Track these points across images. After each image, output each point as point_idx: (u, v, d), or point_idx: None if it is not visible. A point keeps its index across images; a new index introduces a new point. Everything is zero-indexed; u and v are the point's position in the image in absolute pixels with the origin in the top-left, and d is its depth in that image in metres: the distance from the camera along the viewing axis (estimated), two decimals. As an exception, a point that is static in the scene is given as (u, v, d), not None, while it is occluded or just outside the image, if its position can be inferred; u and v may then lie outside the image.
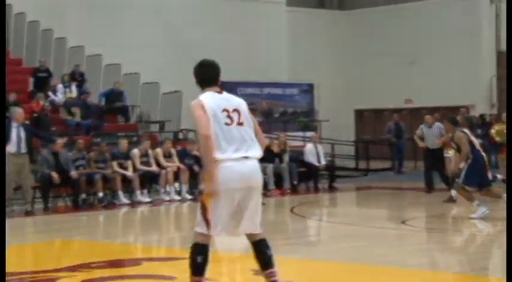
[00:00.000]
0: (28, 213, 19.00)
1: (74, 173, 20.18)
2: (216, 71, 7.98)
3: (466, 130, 16.90)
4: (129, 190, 21.56)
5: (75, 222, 18.34)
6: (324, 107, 33.64)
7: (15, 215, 18.82)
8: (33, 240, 15.83)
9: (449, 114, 20.52)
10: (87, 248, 14.11)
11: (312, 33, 35.11)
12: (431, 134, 21.15)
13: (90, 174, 20.88)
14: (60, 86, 26.01)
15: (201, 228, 7.47)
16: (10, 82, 25.14)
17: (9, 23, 28.32)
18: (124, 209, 20.63)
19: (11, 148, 18.76)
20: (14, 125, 19.05)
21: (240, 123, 7.50)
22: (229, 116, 7.47)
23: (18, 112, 19.61)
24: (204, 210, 7.40)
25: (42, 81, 25.98)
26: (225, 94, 7.76)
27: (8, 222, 17.76)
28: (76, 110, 24.93)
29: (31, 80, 25.96)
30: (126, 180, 21.50)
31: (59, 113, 24.93)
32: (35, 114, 22.61)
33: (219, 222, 7.43)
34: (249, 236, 7.80)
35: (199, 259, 7.51)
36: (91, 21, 28.91)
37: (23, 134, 19.02)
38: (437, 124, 21.11)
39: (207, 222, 7.39)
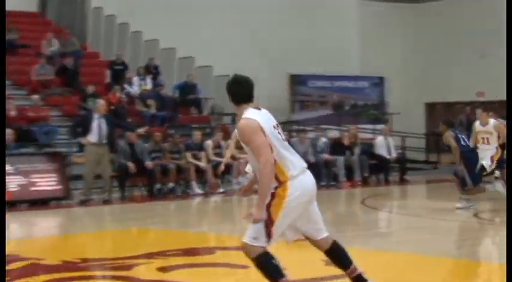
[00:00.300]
0: (106, 202, 19.40)
1: (149, 163, 20.51)
2: (252, 86, 7.45)
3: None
4: (202, 180, 21.81)
5: (150, 211, 18.61)
6: (395, 100, 33.44)
7: (93, 203, 19.24)
8: (111, 227, 16.12)
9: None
10: (162, 236, 14.32)
11: (383, 26, 34.81)
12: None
13: (164, 165, 21.19)
14: (135, 79, 26.32)
15: (258, 242, 7.09)
16: (88, 74, 25.58)
17: (87, 17, 28.75)
18: (197, 199, 20.85)
19: (91, 138, 19.16)
20: (96, 116, 19.43)
21: (284, 138, 7.26)
22: (279, 132, 7.20)
23: (100, 103, 19.99)
24: (270, 223, 7.05)
25: (119, 73, 26.24)
26: (263, 110, 7.34)
27: (87, 210, 18.03)
28: (151, 102, 25.18)
29: (108, 73, 26.24)
30: (199, 171, 21.78)
31: (134, 104, 25.21)
32: (112, 106, 22.87)
33: (279, 233, 7.19)
34: (318, 244, 7.74)
35: (274, 262, 7.20)
36: (166, 15, 29.07)
37: (104, 125, 19.37)
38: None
39: (269, 234, 7.08)
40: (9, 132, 20.27)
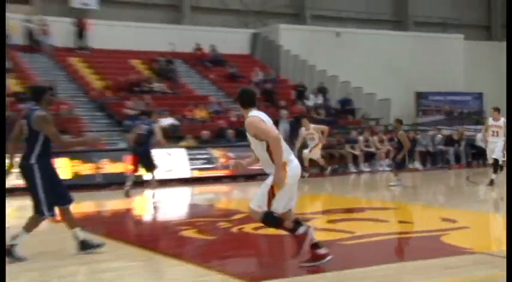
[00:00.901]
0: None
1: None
2: (256, 95, 6.79)
3: None
4: (356, 163, 21.78)
5: (321, 183, 18.60)
6: (490, 108, 32.31)
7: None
8: (300, 195, 16.17)
9: None
10: (330, 199, 14.42)
11: (481, 57, 33.66)
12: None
13: (332, 153, 21.35)
14: (311, 96, 26.44)
15: (261, 209, 6.44)
16: (281, 94, 25.92)
17: (281, 56, 29.05)
18: (352, 176, 20.82)
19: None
20: (283, 121, 19.70)
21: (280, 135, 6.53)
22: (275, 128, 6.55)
23: (284, 113, 20.33)
24: (272, 196, 6.37)
25: (300, 93, 26.40)
26: (262, 112, 6.63)
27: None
28: (321, 111, 25.25)
29: (293, 93, 26.49)
30: (355, 157, 21.76)
31: (310, 113, 25.30)
32: (296, 115, 23.12)
33: (279, 205, 6.43)
34: (287, 214, 6.69)
35: (275, 215, 6.48)
36: (332, 54, 29.16)
37: (287, 126, 19.69)
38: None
39: (269, 205, 6.39)
40: (231, 132, 20.90)
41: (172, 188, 17.19)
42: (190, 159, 18.80)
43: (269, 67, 28.31)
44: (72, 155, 17.55)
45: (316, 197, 14.99)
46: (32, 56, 24.64)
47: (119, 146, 19.02)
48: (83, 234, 7.75)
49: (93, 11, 27.60)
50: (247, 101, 6.65)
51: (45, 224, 11.73)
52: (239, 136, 21.57)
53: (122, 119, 21.13)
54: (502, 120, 15.47)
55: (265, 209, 6.43)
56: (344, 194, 15.71)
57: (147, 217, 12.49)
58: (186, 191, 17.18)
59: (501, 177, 15.76)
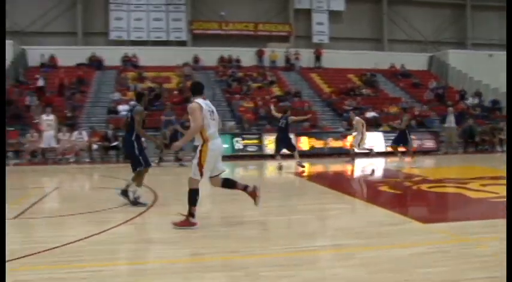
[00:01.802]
0: (453, 153, 18.03)
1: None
2: (203, 86, 5.87)
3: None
4: (501, 144, 19.40)
5: (476, 158, 16.49)
6: None
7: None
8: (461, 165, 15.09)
9: None
10: (482, 170, 13.01)
11: None
12: None
13: (484, 138, 19.37)
14: (470, 98, 24.03)
15: (196, 177, 5.66)
16: (449, 96, 23.97)
17: (449, 71, 27.06)
18: (499, 154, 18.40)
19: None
20: (450, 114, 18.05)
21: (214, 119, 5.73)
22: (211, 114, 5.69)
23: (450, 109, 18.67)
24: (201, 166, 5.62)
25: (462, 96, 24.17)
26: (207, 101, 5.81)
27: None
28: (477, 109, 22.93)
29: (457, 96, 24.27)
30: (501, 140, 19.46)
31: (469, 110, 23.19)
32: (459, 110, 21.35)
33: (206, 173, 5.69)
34: (213, 180, 5.93)
35: (196, 197, 5.70)
36: (485, 69, 26.29)
37: (453, 118, 17.96)
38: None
39: (201, 173, 5.65)
40: (414, 122, 19.67)
41: (373, 158, 16.90)
42: (386, 139, 18.41)
43: (440, 78, 26.48)
44: (310, 134, 18.15)
45: (472, 168, 13.78)
46: (288, 73, 25.82)
47: (339, 129, 19.26)
48: (133, 195, 7.28)
49: (326, 44, 28.32)
50: (196, 90, 5.85)
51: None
52: (420, 125, 20.62)
53: (342, 112, 21.33)
54: None
55: (199, 176, 5.68)
56: (493, 166, 14.21)
57: (355, 176, 12.57)
58: (382, 160, 16.84)
59: None
